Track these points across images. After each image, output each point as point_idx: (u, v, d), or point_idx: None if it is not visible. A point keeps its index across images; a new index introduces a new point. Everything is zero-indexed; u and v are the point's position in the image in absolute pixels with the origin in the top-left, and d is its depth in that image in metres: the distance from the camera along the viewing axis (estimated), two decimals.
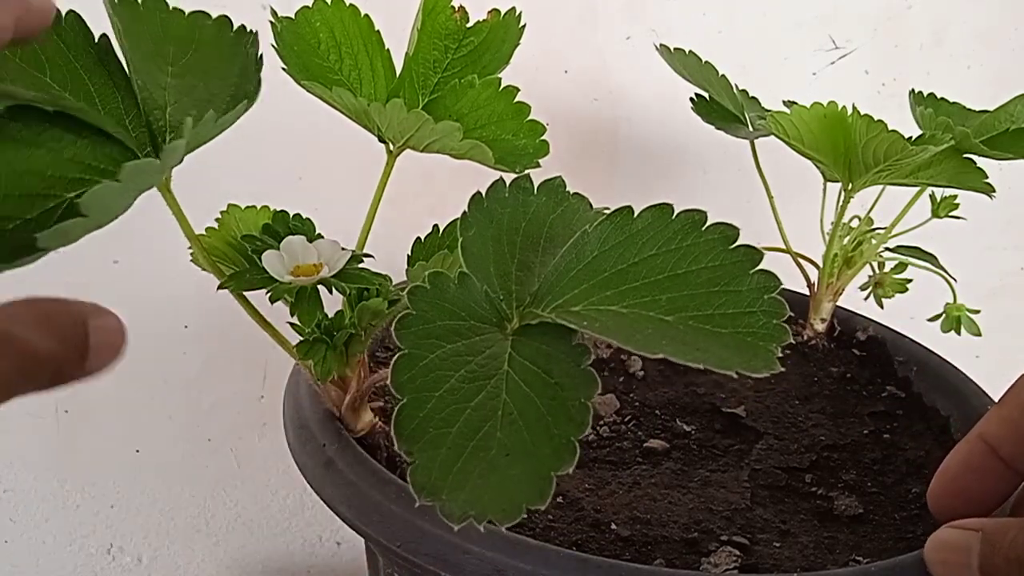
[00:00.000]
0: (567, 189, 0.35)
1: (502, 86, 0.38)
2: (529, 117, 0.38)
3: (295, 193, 0.63)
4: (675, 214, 0.31)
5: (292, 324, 0.34)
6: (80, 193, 0.27)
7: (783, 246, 0.55)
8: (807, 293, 0.57)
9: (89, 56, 0.31)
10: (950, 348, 0.53)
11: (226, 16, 0.34)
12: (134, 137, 0.31)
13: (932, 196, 0.55)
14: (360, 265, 0.35)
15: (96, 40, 0.32)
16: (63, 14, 0.31)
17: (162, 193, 0.31)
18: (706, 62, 0.54)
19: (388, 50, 0.40)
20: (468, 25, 0.40)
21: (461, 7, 0.39)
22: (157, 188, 0.31)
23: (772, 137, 0.49)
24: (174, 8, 0.33)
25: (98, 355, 0.24)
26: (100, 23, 0.32)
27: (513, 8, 0.39)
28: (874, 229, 0.56)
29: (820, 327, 0.56)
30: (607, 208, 0.33)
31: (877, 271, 0.56)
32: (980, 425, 0.34)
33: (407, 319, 0.29)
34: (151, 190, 0.31)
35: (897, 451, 0.46)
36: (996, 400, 0.35)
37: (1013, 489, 0.34)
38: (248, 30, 0.33)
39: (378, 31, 0.39)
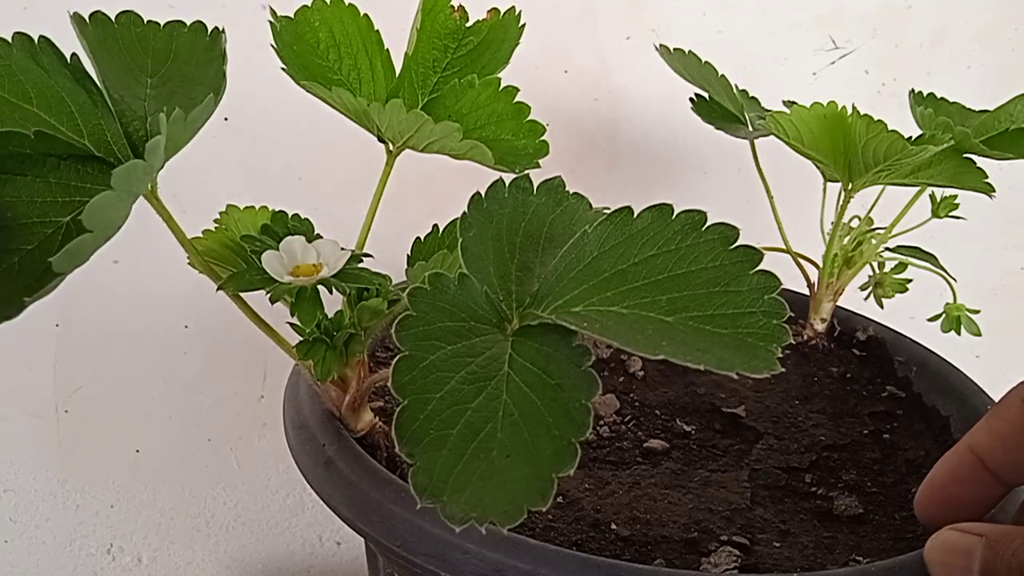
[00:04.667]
0: (567, 189, 0.35)
1: (502, 86, 0.38)
2: (529, 117, 0.37)
3: (295, 193, 0.63)
4: (675, 214, 0.31)
5: (292, 324, 0.34)
6: (74, 214, 0.27)
7: (783, 246, 0.55)
8: (807, 293, 0.57)
9: (66, 77, 0.32)
10: (950, 348, 0.53)
11: (200, 22, 0.34)
12: (116, 150, 0.31)
13: (932, 196, 0.55)
14: (360, 265, 0.35)
15: (69, 61, 0.32)
16: (35, 39, 0.31)
17: (149, 201, 0.31)
18: (706, 62, 0.54)
19: (388, 50, 0.40)
20: (467, 25, 0.40)
21: (460, 7, 0.39)
22: (144, 197, 0.31)
23: (772, 137, 0.49)
24: (149, 21, 0.34)
25: None
26: (71, 43, 0.32)
27: (513, 8, 0.39)
28: (874, 229, 0.56)
29: (820, 327, 0.56)
30: (607, 208, 0.33)
31: (877, 271, 0.56)
32: (969, 436, 0.34)
33: (407, 320, 0.29)
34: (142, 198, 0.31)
35: (897, 451, 0.46)
36: (995, 400, 0.35)
37: (999, 499, 0.34)
38: (219, 31, 0.33)
39: (378, 31, 0.39)
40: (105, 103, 0.32)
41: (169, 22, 0.34)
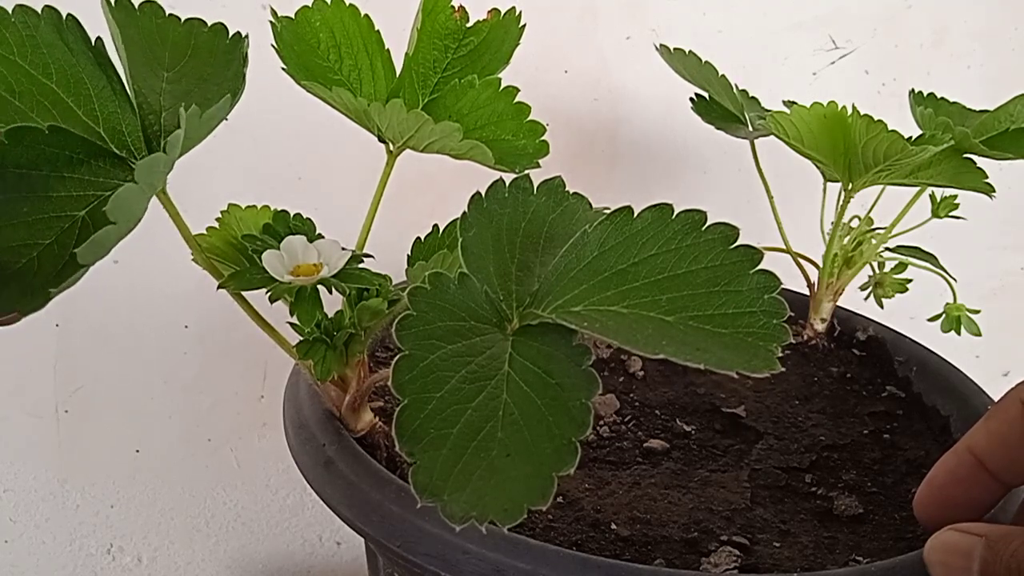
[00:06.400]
0: (567, 189, 0.35)
1: (502, 86, 0.38)
2: (529, 117, 0.38)
3: (295, 193, 0.63)
4: (675, 214, 0.31)
5: (292, 324, 0.34)
6: (88, 208, 0.27)
7: (783, 246, 0.55)
8: (807, 293, 0.57)
9: (89, 60, 0.31)
10: (950, 348, 0.53)
11: (222, 24, 0.34)
12: (130, 142, 0.31)
13: (932, 196, 0.56)
14: (360, 265, 0.35)
15: (92, 43, 0.32)
16: (63, 16, 0.31)
17: (158, 198, 0.31)
18: (706, 62, 0.54)
19: (388, 50, 0.40)
20: (468, 25, 0.40)
21: (461, 7, 0.39)
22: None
23: (772, 137, 0.49)
24: (170, 15, 0.33)
25: None
26: (96, 26, 0.32)
27: (513, 8, 0.39)
28: (874, 229, 0.56)
29: (820, 327, 0.56)
30: (607, 208, 0.33)
31: (877, 271, 0.56)
32: (968, 437, 0.34)
33: (407, 320, 0.29)
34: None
35: (897, 451, 0.46)
36: (995, 400, 0.35)
37: (998, 500, 0.34)
38: (243, 35, 0.33)
39: (378, 31, 0.39)
40: (124, 92, 0.31)
41: (189, 19, 0.34)
